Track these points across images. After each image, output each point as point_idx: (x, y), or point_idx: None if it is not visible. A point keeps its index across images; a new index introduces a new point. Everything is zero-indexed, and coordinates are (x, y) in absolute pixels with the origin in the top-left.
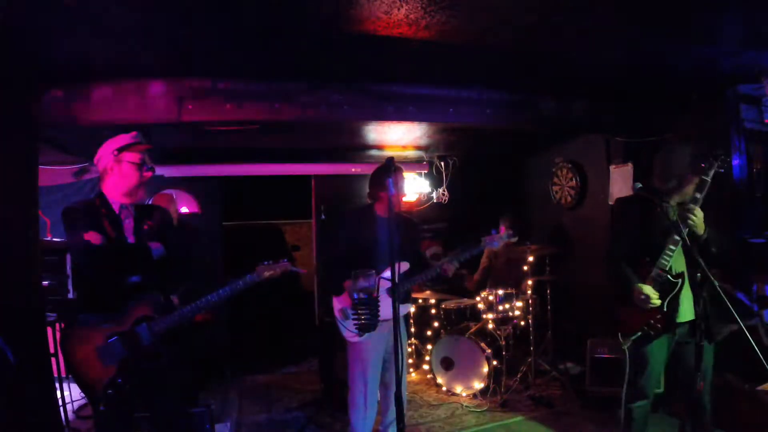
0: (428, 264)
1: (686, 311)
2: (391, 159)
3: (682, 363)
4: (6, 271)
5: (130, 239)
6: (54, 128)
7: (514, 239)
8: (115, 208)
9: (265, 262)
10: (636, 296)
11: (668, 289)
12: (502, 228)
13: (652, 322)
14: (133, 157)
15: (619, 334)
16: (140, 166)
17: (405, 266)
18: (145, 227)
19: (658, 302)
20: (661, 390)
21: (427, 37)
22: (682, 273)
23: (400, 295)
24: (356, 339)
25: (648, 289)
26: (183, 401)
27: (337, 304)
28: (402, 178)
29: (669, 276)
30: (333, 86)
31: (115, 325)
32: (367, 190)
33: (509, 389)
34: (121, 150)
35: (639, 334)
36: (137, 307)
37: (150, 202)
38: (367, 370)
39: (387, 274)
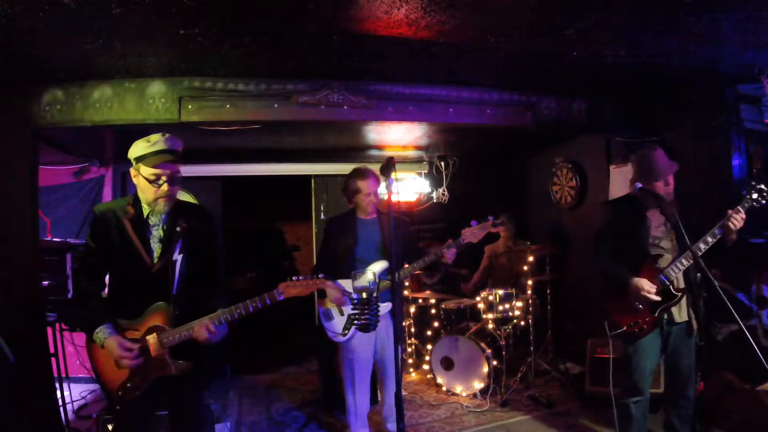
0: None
1: (681, 313)
2: (390, 158)
3: (678, 362)
4: (6, 271)
5: (155, 259)
6: (54, 128)
7: (495, 228)
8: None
9: (295, 278)
10: (634, 291)
11: (666, 299)
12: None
13: (639, 321)
14: (147, 171)
15: (606, 325)
16: (156, 182)
17: (383, 264)
18: (177, 240)
19: (658, 298)
20: (660, 390)
21: (427, 37)
22: (684, 289)
23: (384, 294)
24: (340, 339)
25: (647, 283)
26: (199, 399)
27: (320, 306)
28: (367, 180)
29: (671, 287)
30: (333, 86)
31: (131, 331)
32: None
33: (509, 389)
34: (137, 160)
35: (624, 329)
36: (152, 316)
37: None
38: (354, 369)
39: (376, 269)
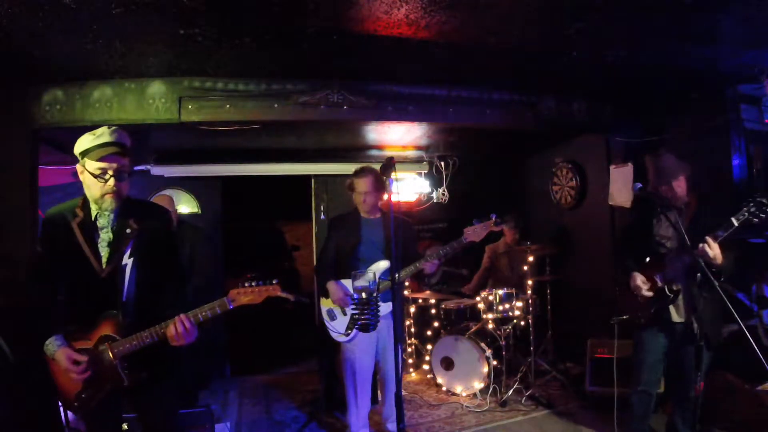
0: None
1: (678, 313)
2: (390, 158)
3: (679, 363)
4: (6, 271)
5: (103, 264)
6: (54, 128)
7: (498, 227)
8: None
9: (246, 284)
10: (632, 282)
11: (660, 297)
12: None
13: (639, 314)
14: (92, 165)
15: (616, 313)
16: (102, 177)
17: (385, 264)
18: (128, 242)
19: (649, 294)
20: (660, 390)
21: (427, 37)
22: (679, 290)
23: (390, 294)
24: (343, 339)
25: (639, 279)
26: (175, 407)
27: (323, 306)
28: (366, 180)
29: (666, 288)
30: (333, 86)
31: (84, 341)
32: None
33: (509, 389)
34: (83, 154)
35: (626, 317)
36: (102, 325)
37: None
38: (356, 369)
39: (377, 269)
